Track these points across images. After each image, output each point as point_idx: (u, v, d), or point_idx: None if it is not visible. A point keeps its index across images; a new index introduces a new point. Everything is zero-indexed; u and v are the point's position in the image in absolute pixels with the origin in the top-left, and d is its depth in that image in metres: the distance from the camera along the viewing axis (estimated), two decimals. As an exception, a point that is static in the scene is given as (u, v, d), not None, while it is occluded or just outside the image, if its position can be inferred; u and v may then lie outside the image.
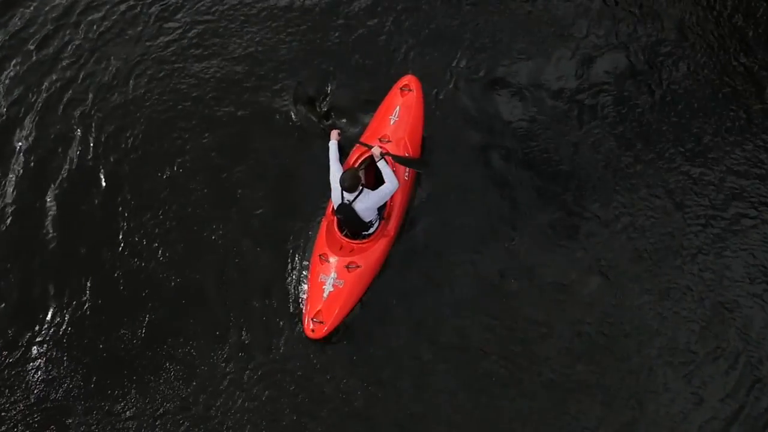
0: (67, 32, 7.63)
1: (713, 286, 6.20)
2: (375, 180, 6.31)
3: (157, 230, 6.63)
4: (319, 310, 6.01)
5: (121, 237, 6.61)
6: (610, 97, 7.02)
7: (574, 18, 7.43)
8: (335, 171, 6.04)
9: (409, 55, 7.30)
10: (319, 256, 6.19)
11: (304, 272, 6.39)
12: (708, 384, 5.86)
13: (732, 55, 7.18)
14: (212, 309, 6.33)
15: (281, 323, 6.25)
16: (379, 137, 6.39)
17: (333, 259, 6.12)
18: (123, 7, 7.77)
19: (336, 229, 6.20)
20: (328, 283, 6.05)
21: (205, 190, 6.81)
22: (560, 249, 6.38)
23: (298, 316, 6.22)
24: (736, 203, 6.51)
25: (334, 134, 6.29)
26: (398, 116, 6.45)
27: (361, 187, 5.88)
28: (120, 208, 6.74)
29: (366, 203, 5.90)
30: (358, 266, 6.10)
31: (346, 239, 6.17)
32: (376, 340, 6.17)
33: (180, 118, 7.17)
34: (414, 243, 6.51)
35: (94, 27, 7.67)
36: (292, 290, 6.38)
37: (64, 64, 7.47)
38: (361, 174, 6.05)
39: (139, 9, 7.76)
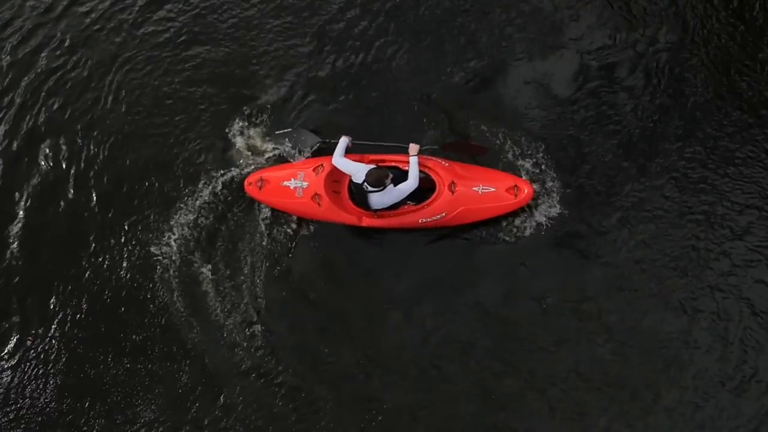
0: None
1: (730, 301, 6.04)
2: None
3: (132, 239, 6.59)
4: (269, 183, 6.34)
5: (92, 250, 6.57)
6: (617, 108, 6.77)
7: (570, 21, 7.14)
8: (340, 161, 6.15)
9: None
10: (321, 164, 6.31)
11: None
12: (723, 406, 5.81)
13: (740, 56, 6.85)
14: (189, 324, 6.35)
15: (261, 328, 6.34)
16: (453, 179, 6.24)
17: (319, 178, 6.25)
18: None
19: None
20: (295, 182, 6.30)
21: (182, 192, 6.75)
22: (572, 266, 6.28)
23: (254, 168, 6.58)
24: (753, 211, 6.26)
25: (347, 138, 6.30)
26: (484, 193, 6.25)
27: (383, 186, 5.95)
28: (91, 219, 6.69)
29: (384, 198, 6.03)
30: (319, 205, 6.22)
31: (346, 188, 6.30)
32: (386, 342, 6.23)
33: (155, 126, 7.08)
34: (415, 248, 6.46)
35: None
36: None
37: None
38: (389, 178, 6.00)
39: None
